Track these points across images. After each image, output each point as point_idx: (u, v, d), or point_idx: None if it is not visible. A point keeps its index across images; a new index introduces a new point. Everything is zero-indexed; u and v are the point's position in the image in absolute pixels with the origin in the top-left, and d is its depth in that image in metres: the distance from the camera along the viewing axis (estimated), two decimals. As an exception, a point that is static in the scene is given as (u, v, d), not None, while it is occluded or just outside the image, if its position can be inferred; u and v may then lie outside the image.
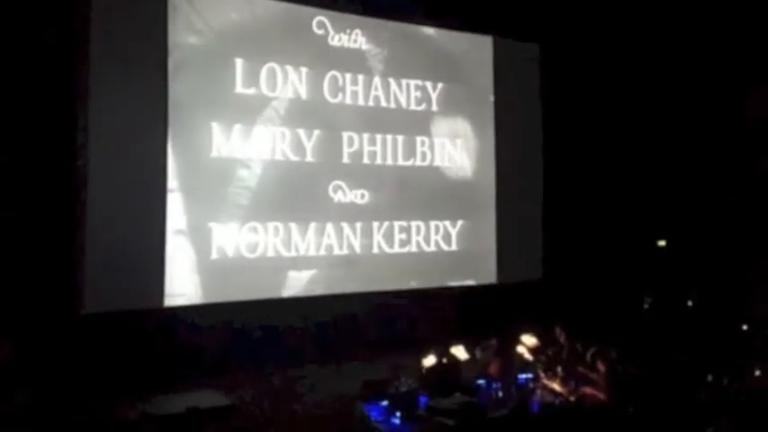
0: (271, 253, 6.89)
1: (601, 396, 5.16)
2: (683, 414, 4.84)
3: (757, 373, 5.53)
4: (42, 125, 5.78)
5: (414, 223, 7.78)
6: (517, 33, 8.49)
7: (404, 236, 7.71)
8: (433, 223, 7.92)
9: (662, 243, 8.65)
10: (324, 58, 7.30)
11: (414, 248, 7.76)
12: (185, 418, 4.71)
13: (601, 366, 5.30)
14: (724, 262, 8.13)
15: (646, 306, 7.03)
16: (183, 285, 6.38)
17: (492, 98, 8.38)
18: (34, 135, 5.75)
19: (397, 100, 7.75)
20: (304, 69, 7.16)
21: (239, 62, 6.78)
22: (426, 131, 7.93)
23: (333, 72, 7.34)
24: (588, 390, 5.23)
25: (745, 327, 6.63)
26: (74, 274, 5.84)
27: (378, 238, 7.53)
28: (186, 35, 6.51)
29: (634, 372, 5.34)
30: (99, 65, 6.01)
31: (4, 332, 5.24)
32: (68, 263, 5.82)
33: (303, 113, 7.14)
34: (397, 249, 7.64)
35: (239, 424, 4.97)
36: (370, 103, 7.58)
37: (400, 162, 7.73)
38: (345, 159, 7.38)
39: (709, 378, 5.29)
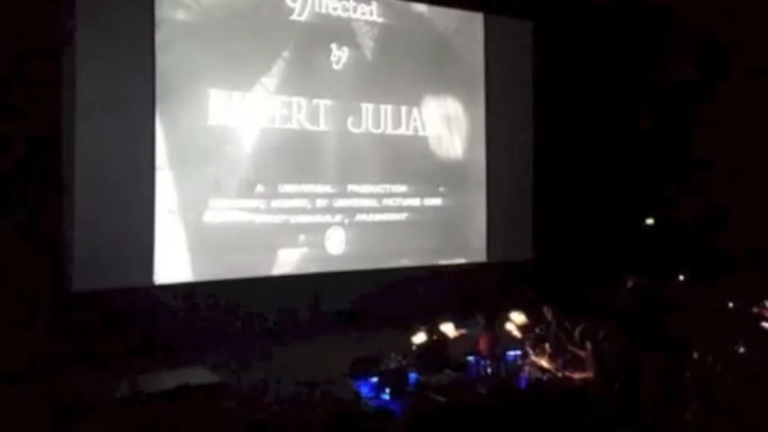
0: (264, 230, 6.87)
1: (587, 373, 5.21)
2: (668, 390, 4.90)
3: (741, 350, 5.60)
4: (29, 103, 5.71)
5: (404, 202, 7.79)
6: (509, 10, 8.43)
7: (393, 215, 7.71)
8: (423, 201, 7.92)
9: (650, 221, 8.70)
10: (315, 32, 7.23)
11: (404, 227, 7.77)
12: (175, 394, 4.72)
13: (588, 344, 5.35)
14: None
15: (630, 284, 7.10)
16: (172, 263, 6.37)
17: (483, 78, 8.36)
18: (20, 114, 5.68)
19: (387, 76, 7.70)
20: (294, 45, 7.10)
21: (228, 38, 6.71)
22: (417, 109, 7.90)
23: (323, 45, 7.28)
24: (575, 366, 5.28)
25: (731, 304, 6.69)
26: (63, 253, 5.81)
27: (366, 216, 7.52)
28: (173, 10, 6.42)
29: (620, 349, 5.39)
30: (86, 41, 5.94)
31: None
32: (57, 241, 5.78)
33: (296, 84, 7.10)
34: (385, 228, 7.65)
35: (228, 401, 4.99)
36: (363, 78, 7.53)
37: (389, 132, 7.70)
38: (340, 128, 7.36)
39: (695, 356, 5.35)
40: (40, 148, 5.74)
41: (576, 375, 5.25)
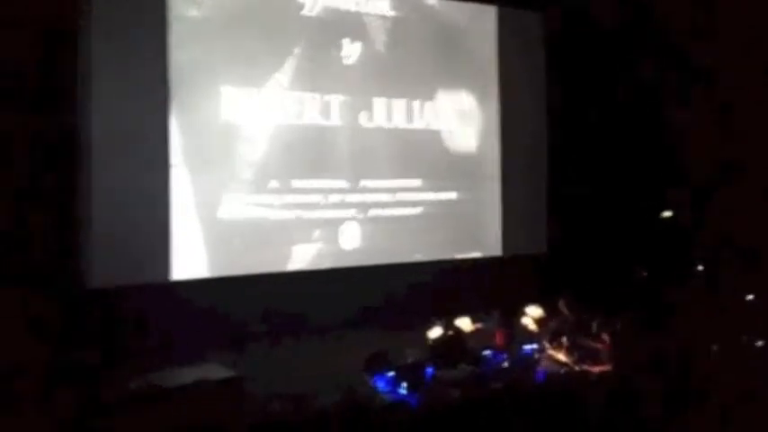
0: (278, 226, 6.88)
1: (606, 366, 5.19)
2: (686, 382, 4.86)
3: (759, 343, 5.54)
4: (44, 100, 5.75)
5: (418, 196, 7.77)
6: (520, 3, 8.38)
7: (407, 210, 7.69)
8: (437, 195, 7.90)
9: (667, 214, 8.61)
10: (326, 27, 7.22)
11: (418, 221, 7.75)
12: (192, 389, 4.75)
13: (605, 337, 5.33)
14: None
15: (644, 275, 7.06)
16: (188, 259, 6.40)
17: (496, 71, 8.31)
18: (36, 112, 5.72)
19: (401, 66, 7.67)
20: (306, 40, 7.10)
21: (240, 35, 6.71)
22: (430, 103, 7.87)
23: (335, 40, 7.27)
24: (592, 360, 5.26)
25: (750, 297, 6.63)
26: (79, 250, 5.85)
27: (380, 211, 7.51)
28: (186, 7, 6.44)
29: (638, 342, 5.36)
30: (100, 39, 5.97)
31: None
32: (74, 237, 5.82)
33: (309, 80, 7.09)
34: (399, 223, 7.63)
35: (244, 397, 5.00)
36: (375, 73, 7.51)
37: (402, 126, 7.68)
38: (353, 123, 7.35)
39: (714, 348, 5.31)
40: (54, 145, 5.77)
41: (594, 369, 5.23)
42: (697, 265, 7.88)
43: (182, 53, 6.39)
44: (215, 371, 5.36)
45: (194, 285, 6.38)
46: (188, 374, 5.03)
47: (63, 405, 4.50)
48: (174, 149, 6.36)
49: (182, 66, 6.38)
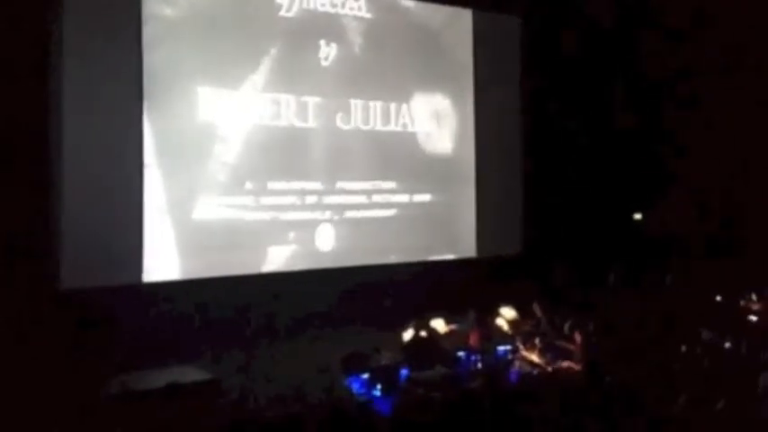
0: (253, 227, 6.85)
1: (577, 366, 5.24)
2: (656, 384, 4.94)
3: (727, 345, 5.64)
4: (16, 99, 5.65)
5: (393, 198, 7.79)
6: (496, 6, 8.45)
7: (381, 211, 7.71)
8: (413, 197, 7.93)
9: (638, 216, 8.76)
10: (303, 28, 7.21)
11: (393, 223, 7.77)
12: (165, 392, 4.71)
13: (577, 338, 5.39)
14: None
15: (612, 278, 7.18)
16: (162, 261, 6.34)
17: (471, 74, 8.37)
18: (5, 111, 5.62)
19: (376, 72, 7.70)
20: (283, 41, 7.08)
21: (216, 35, 6.68)
22: (406, 105, 7.90)
23: (312, 42, 7.27)
24: (565, 361, 5.32)
25: (718, 298, 6.75)
26: (51, 251, 5.77)
27: (355, 213, 7.52)
28: (161, 7, 6.38)
29: (609, 343, 5.43)
30: (73, 37, 5.89)
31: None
32: (46, 239, 5.74)
33: (285, 81, 7.07)
34: (375, 225, 7.64)
35: (218, 399, 4.98)
36: (352, 74, 7.51)
37: (378, 128, 7.70)
38: (329, 125, 7.34)
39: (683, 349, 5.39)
40: (26, 145, 5.69)
41: (566, 369, 5.29)
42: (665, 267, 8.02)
43: (156, 52, 6.32)
44: (188, 373, 5.33)
45: (167, 287, 6.32)
46: (162, 377, 4.99)
47: (35, 407, 4.44)
48: (148, 150, 6.29)
49: (156, 65, 6.32)
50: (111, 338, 5.66)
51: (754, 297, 6.56)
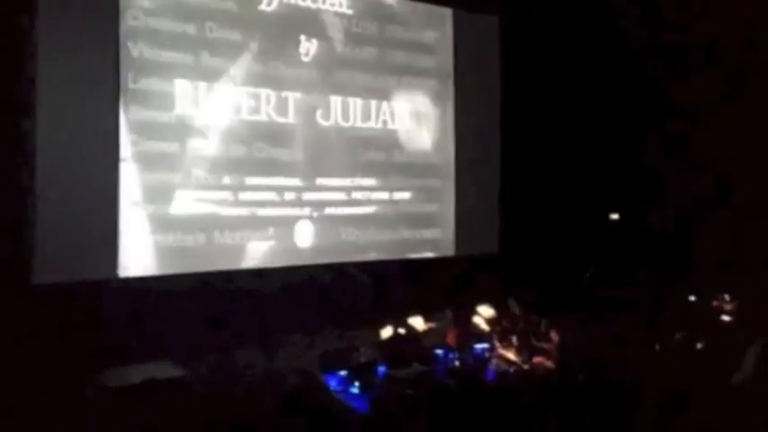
0: (231, 223, 6.80)
1: (552, 365, 5.30)
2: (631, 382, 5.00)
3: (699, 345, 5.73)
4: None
5: (373, 195, 7.78)
6: (476, 6, 8.48)
7: (362, 209, 7.70)
8: (391, 195, 7.93)
9: (615, 216, 8.86)
10: (283, 23, 7.17)
11: (372, 220, 7.77)
12: (140, 389, 4.67)
13: (554, 336, 5.45)
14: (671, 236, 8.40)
15: (588, 276, 7.27)
16: (137, 256, 6.27)
17: (451, 72, 8.39)
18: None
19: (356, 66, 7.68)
20: (263, 36, 7.03)
21: (194, 28, 6.61)
22: (387, 103, 7.90)
23: (292, 37, 7.22)
24: (541, 359, 5.37)
25: (692, 298, 6.86)
26: (23, 245, 5.67)
27: (334, 210, 7.50)
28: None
29: (583, 342, 5.50)
30: (47, 28, 5.78)
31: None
32: (19, 233, 5.64)
33: (265, 76, 7.02)
34: (354, 222, 7.63)
35: (194, 396, 4.95)
36: (332, 71, 7.48)
37: (359, 125, 7.67)
38: (309, 121, 7.30)
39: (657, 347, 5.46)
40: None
41: (541, 367, 5.34)
42: (642, 266, 8.13)
43: (133, 44, 6.23)
44: (164, 369, 5.29)
45: (143, 282, 6.25)
46: (137, 373, 4.95)
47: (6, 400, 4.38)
48: (124, 143, 6.20)
49: (133, 57, 6.23)
50: (86, 334, 5.58)
51: (726, 297, 6.67)
